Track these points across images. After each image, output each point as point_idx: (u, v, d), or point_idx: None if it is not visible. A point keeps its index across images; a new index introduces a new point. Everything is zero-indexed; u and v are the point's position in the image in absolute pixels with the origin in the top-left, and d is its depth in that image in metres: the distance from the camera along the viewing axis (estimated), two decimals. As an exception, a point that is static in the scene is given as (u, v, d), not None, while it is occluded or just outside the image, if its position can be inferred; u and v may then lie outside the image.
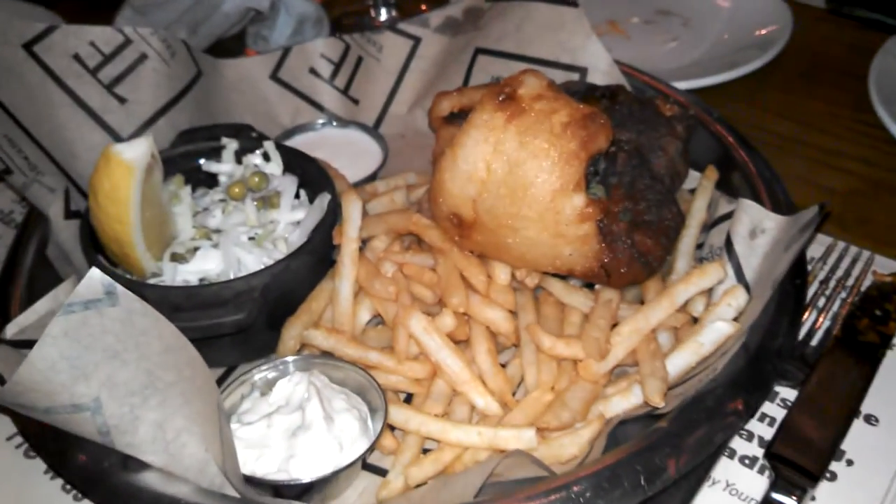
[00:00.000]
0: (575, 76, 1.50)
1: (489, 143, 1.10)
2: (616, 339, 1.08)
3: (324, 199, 1.26)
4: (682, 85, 1.69)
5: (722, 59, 1.83)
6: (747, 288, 1.14)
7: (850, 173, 1.56)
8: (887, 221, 1.45)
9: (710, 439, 0.95)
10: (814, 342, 1.20)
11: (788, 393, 1.16)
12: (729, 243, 1.18)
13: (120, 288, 0.86)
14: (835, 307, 1.26)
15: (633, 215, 1.18)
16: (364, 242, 1.25)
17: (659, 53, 1.97)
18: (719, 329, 1.08)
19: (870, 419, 1.13)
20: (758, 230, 1.18)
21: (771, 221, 1.17)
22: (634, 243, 1.13)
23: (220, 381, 1.20)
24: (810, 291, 1.27)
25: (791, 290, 1.12)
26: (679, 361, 1.07)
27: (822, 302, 1.27)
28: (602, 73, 1.49)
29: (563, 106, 1.10)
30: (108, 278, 0.85)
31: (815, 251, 1.36)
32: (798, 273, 1.14)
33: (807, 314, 1.24)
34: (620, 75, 1.48)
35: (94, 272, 0.85)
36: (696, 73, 1.77)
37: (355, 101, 1.66)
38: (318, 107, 1.64)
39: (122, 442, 0.93)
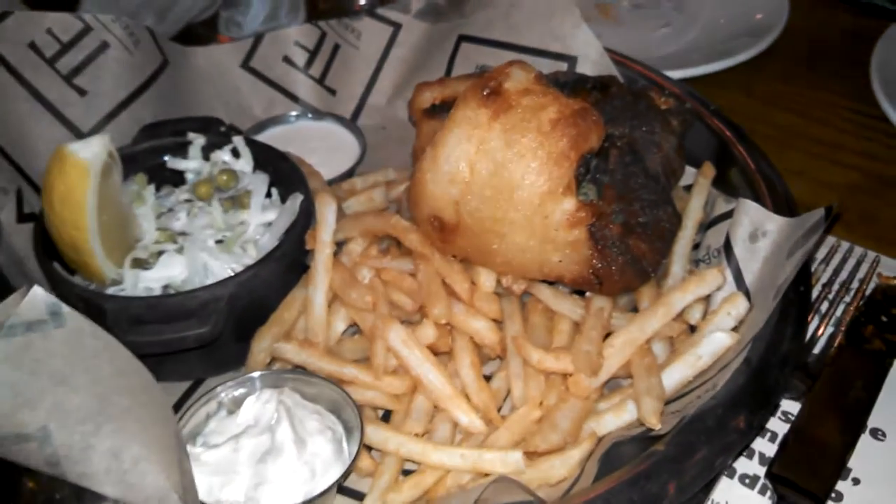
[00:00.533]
0: (564, 65, 1.43)
1: (472, 142, 1.02)
2: (608, 352, 1.01)
3: (296, 200, 1.18)
4: (675, 74, 1.61)
5: (716, 46, 1.76)
6: (747, 295, 1.07)
7: (853, 168, 1.49)
8: (893, 219, 1.38)
9: (710, 464, 0.88)
10: (816, 350, 1.14)
11: (790, 406, 1.10)
12: (728, 247, 1.11)
13: (66, 308, 0.79)
14: (838, 313, 1.19)
15: (627, 217, 1.11)
16: (340, 245, 1.17)
17: (650, 40, 1.89)
18: (718, 340, 1.01)
19: (876, 433, 1.06)
20: (759, 233, 1.11)
21: (773, 223, 1.10)
22: (628, 248, 1.06)
23: (186, 395, 1.13)
24: (812, 296, 1.21)
25: (795, 298, 1.05)
26: (676, 375, 1.00)
27: (825, 307, 1.21)
28: (592, 62, 1.41)
29: (553, 101, 1.02)
30: (51, 297, 0.78)
31: (817, 252, 1.29)
32: (802, 279, 1.07)
33: (809, 320, 1.17)
34: (611, 65, 1.41)
35: (36, 291, 0.77)
36: (689, 62, 1.69)
37: (332, 92, 1.57)
38: (293, 97, 1.56)
39: (75, 472, 0.85)
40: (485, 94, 1.03)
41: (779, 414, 1.09)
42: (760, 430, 1.04)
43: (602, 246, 1.04)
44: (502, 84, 1.04)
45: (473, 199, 1.02)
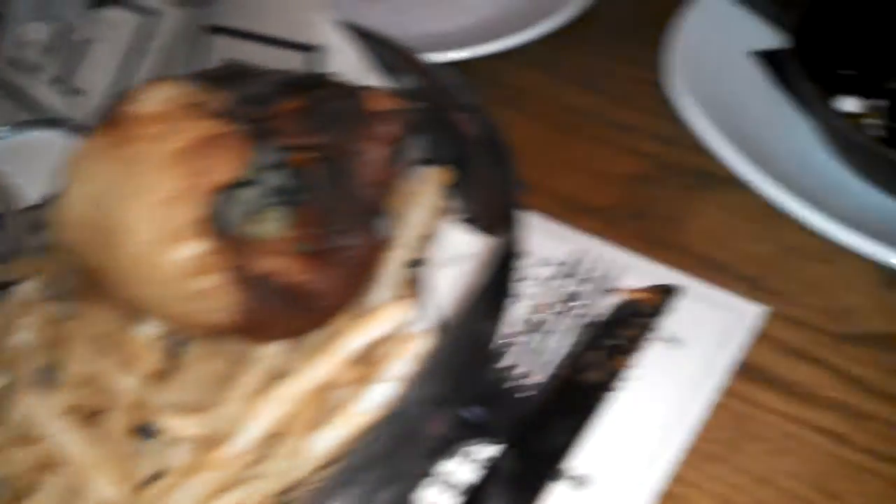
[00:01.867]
0: (313, 56, 1.28)
1: (93, 178, 0.89)
2: (258, 410, 0.89)
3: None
4: (463, 53, 1.47)
5: (521, 16, 1.58)
6: (439, 330, 0.95)
7: (641, 155, 1.33)
8: (669, 214, 1.24)
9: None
10: (532, 381, 1.02)
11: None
12: (425, 273, 0.99)
13: None
14: (562, 335, 1.07)
15: (317, 243, 0.98)
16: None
17: (453, 8, 1.69)
18: (382, 393, 0.89)
19: (578, 481, 0.95)
20: (459, 256, 0.98)
21: (472, 246, 0.98)
22: (293, 288, 0.93)
23: None
24: (545, 313, 1.09)
25: (479, 335, 0.93)
26: (329, 436, 0.89)
27: (558, 326, 1.08)
28: (340, 52, 1.26)
29: (183, 129, 0.89)
30: None
31: (563, 255, 1.16)
32: (492, 309, 0.95)
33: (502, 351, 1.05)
34: (364, 53, 1.26)
35: None
36: (487, 35, 1.52)
37: (76, 92, 1.42)
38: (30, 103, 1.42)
39: None
40: (108, 120, 0.90)
41: (484, 458, 0.98)
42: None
43: (254, 289, 0.91)
44: (133, 108, 0.91)
45: (94, 244, 0.90)
